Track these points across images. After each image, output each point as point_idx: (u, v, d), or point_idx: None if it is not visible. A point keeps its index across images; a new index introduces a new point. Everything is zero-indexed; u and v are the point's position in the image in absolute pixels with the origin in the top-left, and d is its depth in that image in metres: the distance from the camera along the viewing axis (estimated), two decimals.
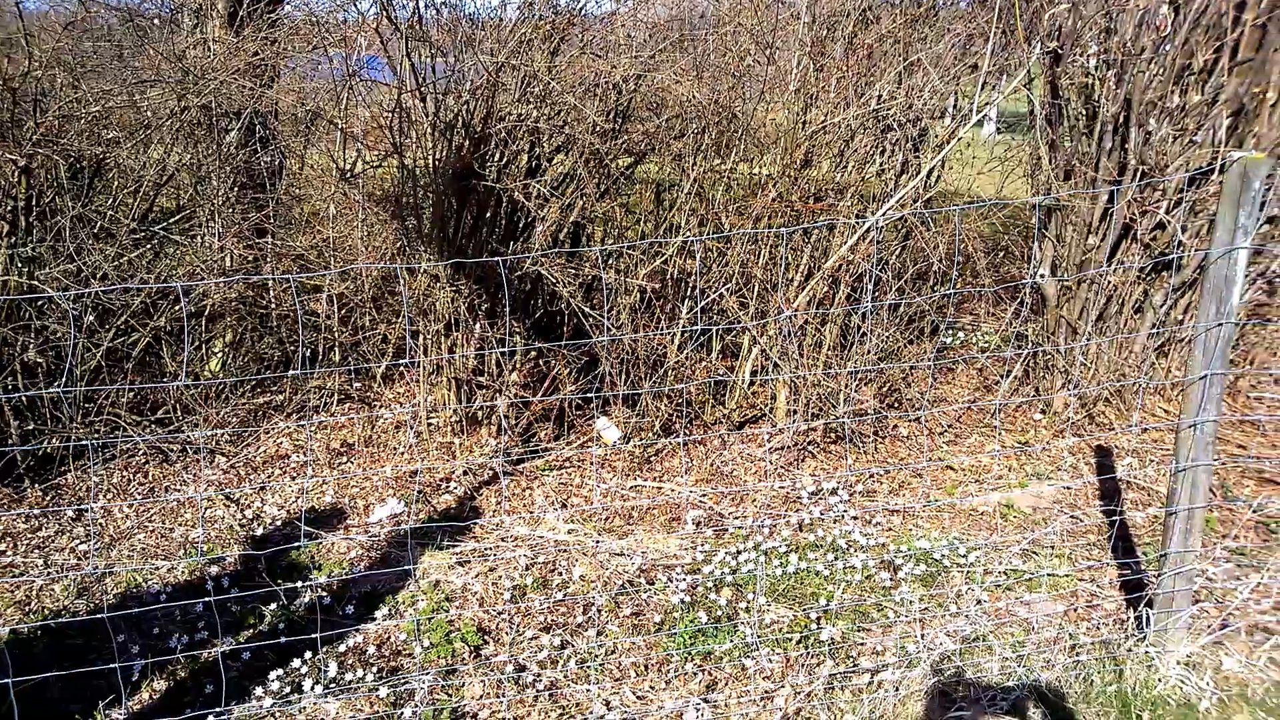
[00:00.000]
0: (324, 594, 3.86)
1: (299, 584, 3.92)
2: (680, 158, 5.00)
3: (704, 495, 4.67)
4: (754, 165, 5.20)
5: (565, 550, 4.16)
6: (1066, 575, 3.87)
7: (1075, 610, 3.61)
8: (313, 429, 5.35)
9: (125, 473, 5.05)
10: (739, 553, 4.01)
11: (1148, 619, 3.28)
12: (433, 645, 3.49)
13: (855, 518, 4.42)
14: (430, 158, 4.41)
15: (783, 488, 4.73)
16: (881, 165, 5.02)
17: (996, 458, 5.08)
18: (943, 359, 6.20)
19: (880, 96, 4.87)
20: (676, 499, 4.64)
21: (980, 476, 4.86)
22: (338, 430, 5.35)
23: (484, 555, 4.15)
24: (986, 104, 4.45)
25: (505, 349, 4.92)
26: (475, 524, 4.42)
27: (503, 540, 4.28)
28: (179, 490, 4.90)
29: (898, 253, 5.25)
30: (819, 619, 3.55)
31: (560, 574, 3.98)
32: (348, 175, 4.70)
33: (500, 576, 3.96)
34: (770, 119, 5.41)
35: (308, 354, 5.36)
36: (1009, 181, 5.52)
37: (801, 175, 4.93)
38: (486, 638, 3.56)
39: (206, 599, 3.79)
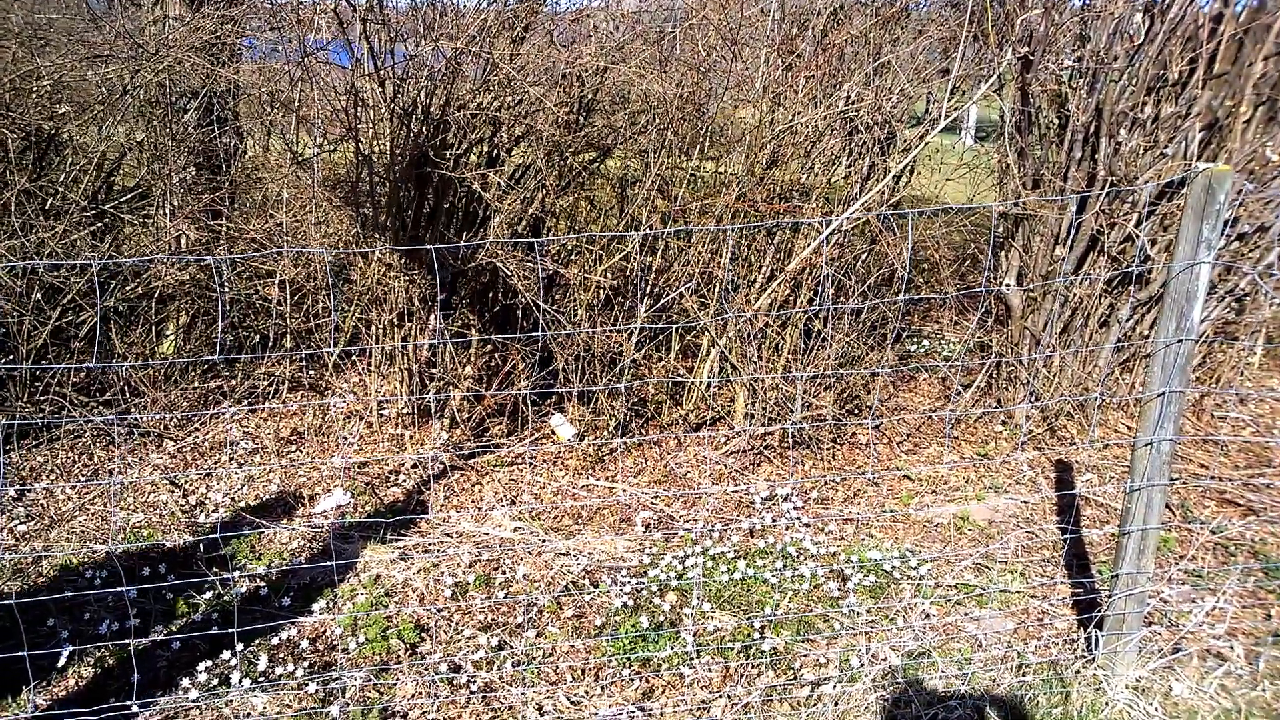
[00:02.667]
0: (262, 584, 3.76)
1: (236, 574, 3.82)
2: (644, 153, 4.92)
3: (656, 497, 4.59)
4: (719, 164, 5.13)
5: (510, 548, 4.07)
6: (1018, 592, 3.81)
7: (1025, 628, 3.56)
8: (262, 416, 5.24)
9: (70, 454, 4.93)
10: (686, 557, 3.94)
11: (1097, 640, 3.22)
12: (368, 641, 3.40)
13: (808, 525, 4.35)
14: (387, 144, 4.31)
15: (736, 492, 4.66)
16: (848, 168, 4.95)
17: (954, 469, 5.03)
18: (904, 366, 6.15)
19: (849, 98, 4.80)
20: (628, 500, 4.56)
21: (937, 487, 4.81)
22: (288, 418, 5.24)
23: (427, 551, 4.05)
24: (956, 109, 4.39)
25: (459, 341, 4.83)
26: (421, 518, 4.33)
27: (448, 536, 4.19)
28: (123, 474, 4.79)
29: (862, 257, 5.19)
30: (763, 628, 3.47)
31: (504, 572, 3.90)
32: (300, 159, 4.59)
33: (442, 573, 3.87)
34: (737, 117, 5.34)
35: (258, 340, 5.25)
36: (979, 190, 5.47)
37: (767, 175, 4.86)
38: (424, 635, 3.47)
39: (141, 585, 3.69)
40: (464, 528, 4.25)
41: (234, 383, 5.45)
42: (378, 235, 4.44)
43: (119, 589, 3.68)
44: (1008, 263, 5.32)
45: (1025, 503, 4.67)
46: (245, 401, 5.35)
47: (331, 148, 4.70)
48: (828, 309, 5.06)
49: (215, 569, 3.89)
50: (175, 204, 4.90)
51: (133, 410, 5.14)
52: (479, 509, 4.43)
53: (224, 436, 5.11)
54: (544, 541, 4.11)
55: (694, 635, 3.41)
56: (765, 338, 5.09)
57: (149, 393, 5.06)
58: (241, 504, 4.44)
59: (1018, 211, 5.08)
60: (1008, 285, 5.32)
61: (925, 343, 6.67)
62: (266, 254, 4.41)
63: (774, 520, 4.35)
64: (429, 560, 3.96)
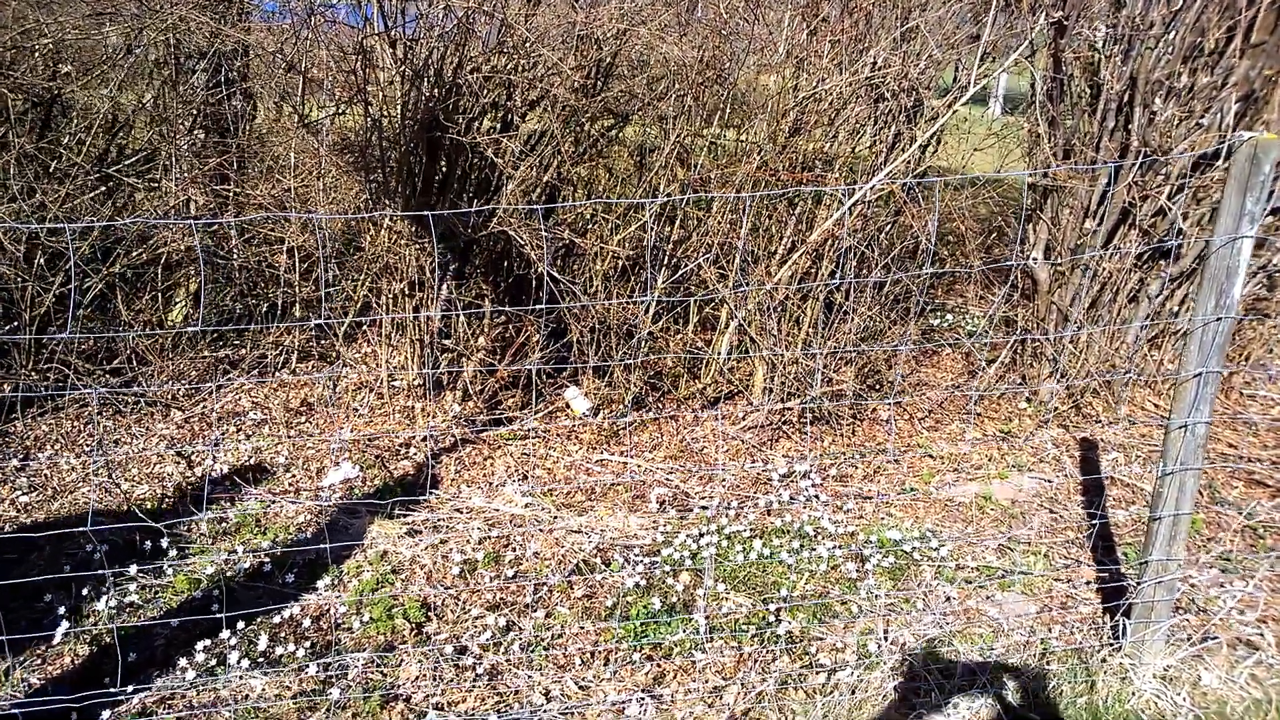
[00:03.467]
0: (266, 560, 3.68)
1: (239, 549, 3.74)
2: (663, 120, 4.77)
3: (672, 473, 4.49)
4: (740, 132, 4.98)
5: (521, 525, 3.98)
6: (1042, 575, 3.70)
7: (1049, 613, 3.44)
8: (272, 387, 5.16)
9: (76, 423, 4.86)
10: (701, 535, 3.84)
11: (1124, 628, 3.11)
12: (373, 620, 3.32)
13: (826, 503, 4.24)
14: (398, 107, 4.18)
15: (754, 468, 4.55)
16: (873, 137, 4.79)
17: (977, 446, 4.90)
18: (927, 341, 6.01)
19: (875, 63, 4.64)
20: (643, 476, 4.46)
21: (959, 465, 4.69)
22: (298, 389, 5.16)
23: (436, 526, 3.97)
24: (986, 76, 4.22)
25: (472, 311, 4.72)
26: (431, 493, 4.24)
27: (458, 511, 4.10)
28: (129, 444, 4.72)
29: (886, 229, 5.04)
30: (778, 611, 3.37)
31: (514, 550, 3.81)
32: (307, 123, 4.47)
33: (451, 549, 3.79)
34: (760, 83, 5.19)
35: (266, 309, 5.16)
36: (1008, 160, 5.30)
37: (789, 144, 4.71)
38: (430, 614, 3.38)
39: (141, 563, 3.62)
40: (474, 503, 4.16)
41: (243, 351, 5.37)
42: (388, 201, 4.33)
43: (118, 569, 3.61)
44: (1035, 236, 5.16)
45: (1049, 482, 4.55)
46: (255, 371, 5.27)
47: (340, 111, 4.58)
48: (850, 282, 4.92)
49: (220, 542, 3.82)
50: (183, 168, 4.80)
51: (140, 380, 5.07)
52: (490, 484, 4.34)
53: (232, 407, 5.03)
54: (555, 518, 4.02)
55: (707, 618, 3.32)
56: (785, 311, 4.97)
57: (155, 362, 4.98)
58: (248, 476, 4.36)
59: (1047, 183, 4.92)
60: (1035, 259, 5.17)
61: (949, 317, 6.52)
62: (274, 217, 4.30)
63: (791, 498, 4.24)
64: (437, 537, 3.87)
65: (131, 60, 4.46)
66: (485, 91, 4.30)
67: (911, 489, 4.43)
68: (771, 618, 3.33)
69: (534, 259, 4.15)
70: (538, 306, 4.51)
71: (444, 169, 4.52)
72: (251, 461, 4.54)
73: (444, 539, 3.86)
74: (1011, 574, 3.69)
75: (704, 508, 4.16)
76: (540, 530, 3.93)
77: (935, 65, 4.57)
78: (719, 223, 4.77)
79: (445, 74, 4.24)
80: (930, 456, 4.78)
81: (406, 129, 4.25)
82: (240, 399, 5.14)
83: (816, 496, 4.27)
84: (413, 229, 4.46)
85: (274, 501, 4.14)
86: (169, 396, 5.03)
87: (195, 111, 4.96)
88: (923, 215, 4.80)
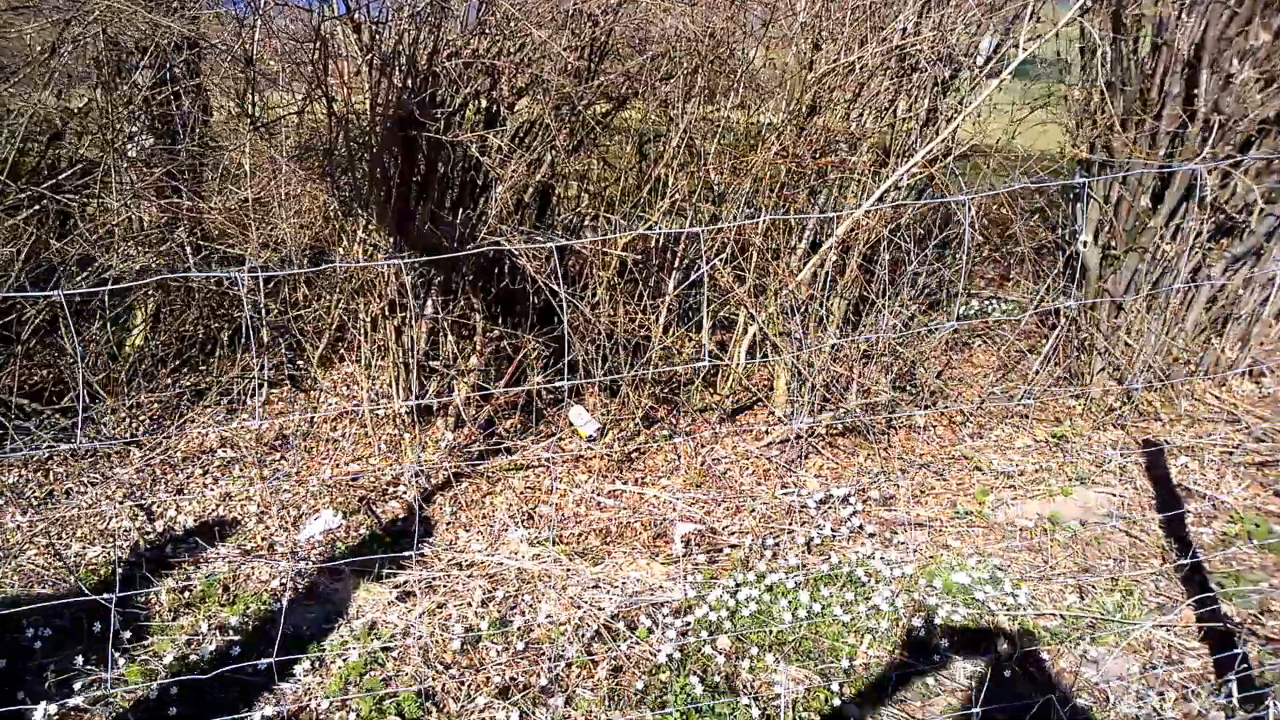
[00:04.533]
0: (235, 638, 3.16)
1: (205, 624, 3.22)
2: (667, 104, 4.22)
3: (694, 504, 3.98)
4: (753, 113, 4.44)
5: (530, 581, 3.46)
6: (1135, 622, 3.19)
7: (1153, 672, 2.95)
8: (241, 418, 4.62)
9: (24, 471, 4.32)
10: (737, 588, 3.32)
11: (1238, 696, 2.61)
12: (361, 718, 2.80)
13: (873, 535, 3.73)
14: (366, 103, 3.62)
15: (785, 494, 4.04)
16: (906, 113, 4.26)
17: (1029, 455, 4.41)
18: (962, 334, 5.49)
19: (904, 30, 4.10)
20: (662, 509, 3.94)
21: (1014, 479, 4.19)
22: (273, 417, 4.62)
23: (432, 586, 3.45)
24: (1035, 38, 3.68)
25: (461, 329, 4.19)
26: (424, 543, 3.72)
27: (456, 566, 3.58)
28: (83, 493, 4.18)
29: (920, 218, 4.51)
30: (842, 688, 2.86)
31: (523, 613, 3.29)
32: (259, 124, 3.91)
33: (450, 616, 3.27)
34: (773, 59, 4.63)
35: (229, 334, 4.61)
36: (1045, 135, 4.76)
37: (809, 125, 4.18)
38: (429, 705, 2.87)
39: (89, 648, 3.09)
40: (474, 553, 3.64)
41: (209, 379, 4.82)
42: (360, 212, 3.78)
43: (59, 656, 3.08)
44: (1085, 217, 4.64)
45: (1117, 496, 4.06)
46: (224, 400, 4.72)
47: (302, 109, 4.01)
48: (881, 277, 4.40)
49: (180, 617, 3.29)
50: (126, 180, 4.23)
51: (93, 418, 4.53)
52: (490, 528, 3.82)
53: (199, 444, 4.50)
54: (568, 571, 3.50)
55: (757, 699, 2.81)
56: (809, 311, 4.45)
57: (106, 400, 4.44)
58: (215, 530, 3.83)
59: (1100, 157, 4.39)
60: (1085, 242, 4.65)
61: (982, 304, 6.00)
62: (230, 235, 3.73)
63: (833, 530, 3.73)
64: (434, 599, 3.35)
65: (58, 61, 3.88)
66: (466, 80, 3.74)
67: (966, 512, 3.93)
68: (835, 699, 2.81)
69: (530, 271, 3.62)
70: (549, 331, 3.98)
71: (423, 170, 3.96)
72: (220, 512, 4.01)
73: (441, 602, 3.34)
74: (1103, 620, 3.18)
75: (735, 546, 3.65)
76: (552, 587, 3.41)
77: (975, 29, 4.04)
78: (733, 218, 4.23)
79: (419, 61, 3.68)
80: (979, 470, 4.28)
81: (378, 127, 3.70)
82: (207, 433, 4.61)
83: (861, 527, 3.77)
84: (391, 241, 3.92)
85: (244, 562, 3.61)
86: (129, 433, 4.49)
87: (138, 114, 4.38)
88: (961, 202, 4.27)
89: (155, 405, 4.76)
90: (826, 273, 4.30)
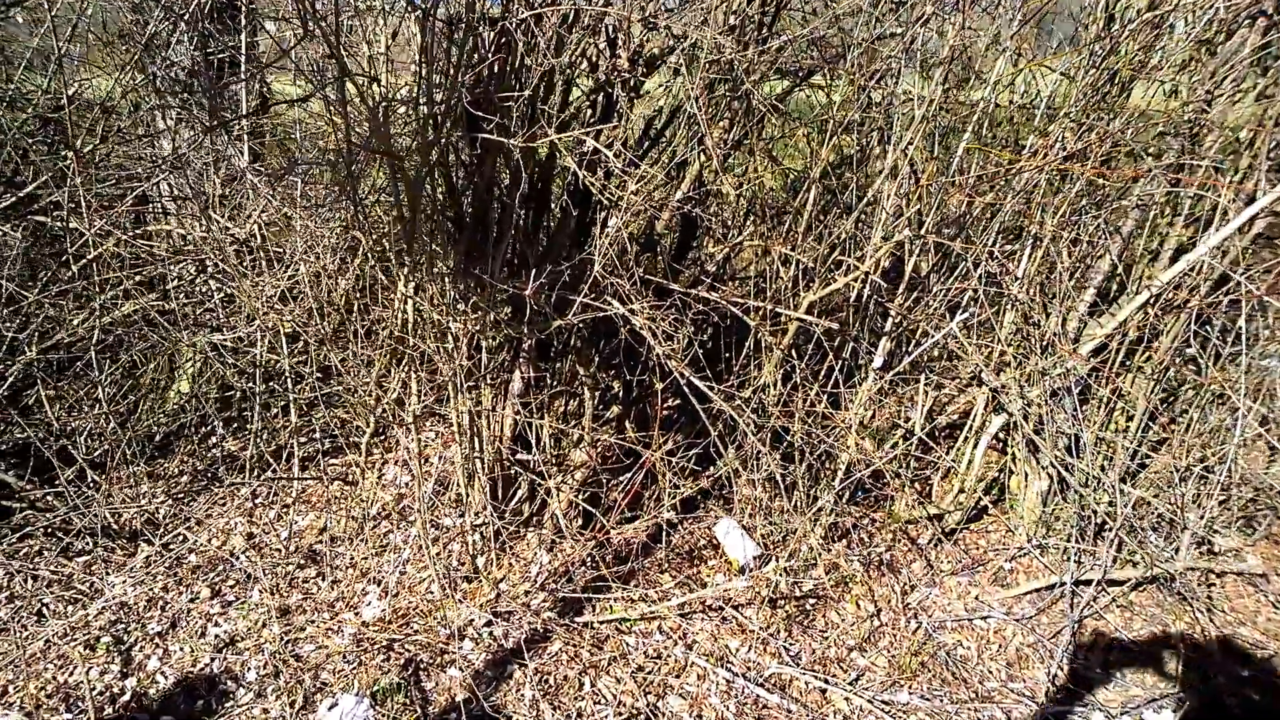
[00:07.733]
0: None
1: None
2: (880, 77, 2.72)
3: (909, 712, 2.51)
4: (1026, 92, 2.88)
5: None
6: None
7: None
8: (270, 516, 3.42)
9: (10, 563, 3.26)
10: None
11: None
12: None
13: None
14: (437, 76, 2.27)
15: (1059, 709, 2.52)
16: (1265, 88, 2.63)
17: None
18: None
19: None
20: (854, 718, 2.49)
21: None
22: (313, 508, 3.41)
23: None
24: None
25: (562, 395, 2.84)
26: None
27: None
28: (60, 616, 3.08)
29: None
30: None
31: None
32: (250, 114, 2.62)
33: None
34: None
35: (235, 407, 3.40)
36: None
37: (1115, 106, 2.61)
38: None
39: None
40: None
41: (245, 450, 3.65)
42: (413, 250, 2.44)
43: None
44: None
45: None
46: (253, 487, 3.54)
47: (304, 96, 2.67)
48: (1212, 341, 2.81)
49: None
50: (84, 198, 3.00)
51: (96, 501, 3.41)
52: None
53: (220, 544, 3.33)
54: None
55: None
56: (1091, 393, 2.90)
57: (102, 483, 3.32)
58: (198, 688, 2.63)
59: None
60: None
61: None
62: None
63: None
64: None
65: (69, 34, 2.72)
66: (566, 44, 2.36)
67: None
68: None
69: (662, 352, 2.22)
70: (687, 423, 2.58)
71: (526, 189, 2.61)
72: (213, 667, 2.81)
73: None
74: None
75: None
76: None
77: None
78: (981, 253, 2.71)
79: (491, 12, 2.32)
80: None
81: (439, 121, 2.36)
82: (234, 527, 3.44)
83: None
84: (458, 290, 2.59)
85: None
86: (139, 523, 3.38)
87: (190, 103, 3.20)
88: None
89: (183, 477, 3.65)
90: (1126, 341, 2.74)
